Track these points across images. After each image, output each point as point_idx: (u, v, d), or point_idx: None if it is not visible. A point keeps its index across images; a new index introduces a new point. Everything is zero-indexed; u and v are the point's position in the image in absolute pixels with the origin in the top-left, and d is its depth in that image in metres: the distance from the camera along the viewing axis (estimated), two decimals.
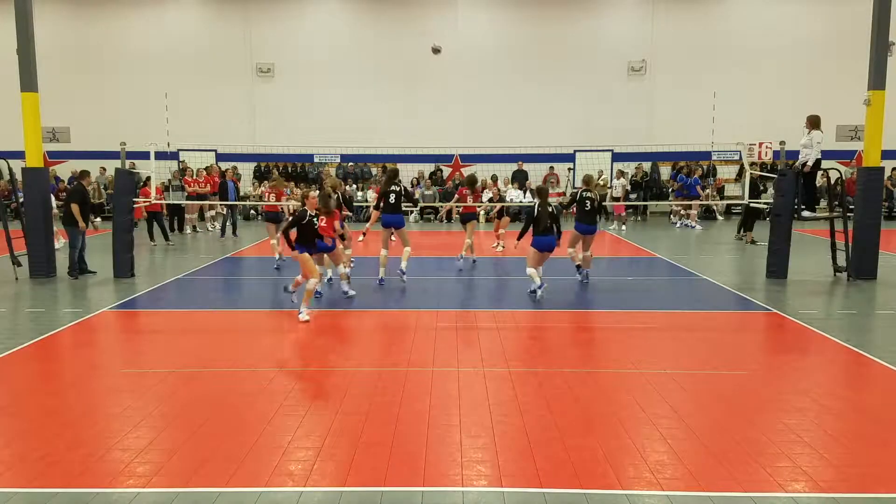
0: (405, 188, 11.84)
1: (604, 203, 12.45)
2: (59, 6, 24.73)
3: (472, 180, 14.19)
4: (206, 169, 20.90)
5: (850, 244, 12.09)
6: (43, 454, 5.06)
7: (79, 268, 12.26)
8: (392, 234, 12.03)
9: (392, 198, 11.50)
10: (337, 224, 10.20)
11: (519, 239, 10.60)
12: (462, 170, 25.32)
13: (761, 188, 20.39)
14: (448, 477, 4.72)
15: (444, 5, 24.96)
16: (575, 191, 12.10)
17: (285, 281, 10.49)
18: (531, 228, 10.37)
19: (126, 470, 4.81)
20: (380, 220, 11.72)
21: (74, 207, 12.09)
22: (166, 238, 17.13)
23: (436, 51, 14.53)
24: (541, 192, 10.64)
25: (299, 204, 10.38)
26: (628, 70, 24.94)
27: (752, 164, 15.21)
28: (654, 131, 24.35)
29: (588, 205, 11.41)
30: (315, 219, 9.46)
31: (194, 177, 20.56)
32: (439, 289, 11.88)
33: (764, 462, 4.92)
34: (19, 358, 7.58)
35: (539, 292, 10.34)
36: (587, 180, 11.89)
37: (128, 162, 14.04)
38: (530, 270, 10.41)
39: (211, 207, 21.02)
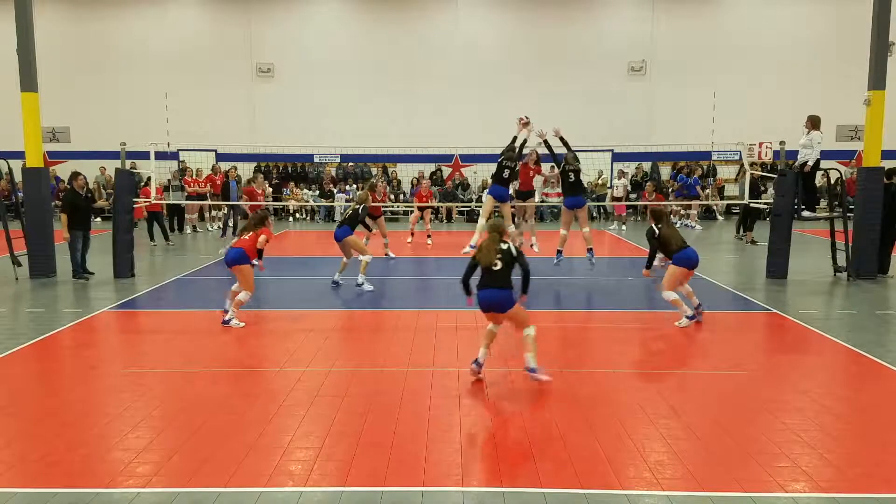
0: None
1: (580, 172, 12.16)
2: (59, 6, 24.72)
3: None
4: (212, 169, 21.00)
5: (850, 244, 12.09)
6: (43, 454, 5.06)
7: (73, 270, 12.18)
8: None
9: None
10: (261, 238, 9.00)
11: (648, 267, 9.18)
12: (462, 170, 25.34)
13: (762, 188, 20.38)
14: (448, 477, 4.72)
15: (444, 6, 24.96)
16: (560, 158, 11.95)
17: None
18: (656, 251, 9.11)
19: (126, 470, 4.81)
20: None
21: (63, 218, 11.97)
22: (166, 238, 17.12)
23: None
24: (657, 215, 9.09)
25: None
26: (628, 70, 24.94)
27: (752, 164, 15.20)
28: (654, 131, 24.35)
29: (572, 176, 11.59)
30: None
31: (194, 177, 20.56)
32: (439, 288, 11.88)
33: (764, 462, 4.92)
34: (19, 358, 7.58)
35: (688, 321, 8.82)
36: (573, 157, 11.92)
37: (128, 162, 14.03)
38: (670, 295, 8.77)
39: (212, 208, 21.04)
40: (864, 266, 12.01)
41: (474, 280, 6.68)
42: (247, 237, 9.02)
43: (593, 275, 12.47)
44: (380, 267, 13.70)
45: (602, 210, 24.35)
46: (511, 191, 12.59)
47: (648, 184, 15.39)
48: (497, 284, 6.46)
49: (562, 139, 11.88)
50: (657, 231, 8.93)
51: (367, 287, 10.85)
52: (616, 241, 18.10)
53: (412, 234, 16.16)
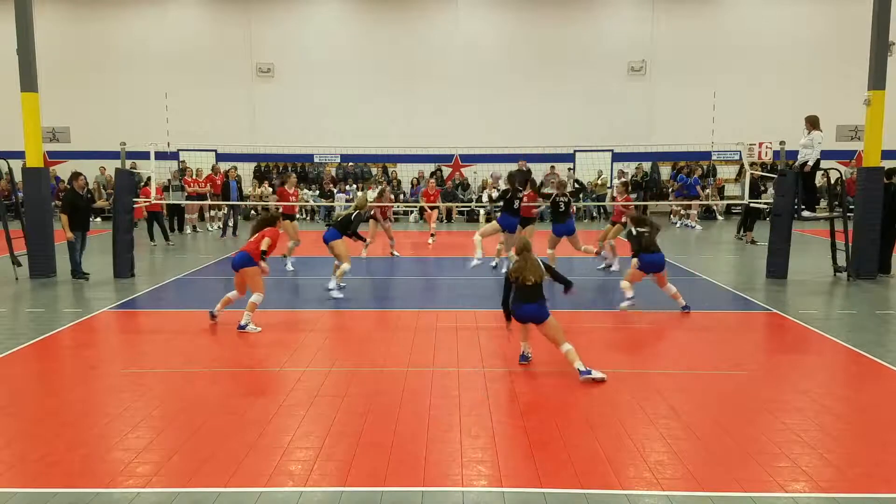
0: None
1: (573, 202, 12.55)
2: (59, 6, 24.73)
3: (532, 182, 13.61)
4: (212, 169, 21.03)
5: (850, 244, 12.09)
6: (43, 454, 5.06)
7: (73, 270, 12.14)
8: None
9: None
10: (265, 240, 8.88)
11: (635, 256, 9.92)
12: (462, 170, 25.34)
13: (762, 188, 20.38)
14: (448, 477, 4.72)
15: (444, 5, 24.96)
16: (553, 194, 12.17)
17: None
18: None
19: (126, 470, 4.81)
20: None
21: (63, 218, 11.95)
22: (166, 238, 17.12)
23: None
24: (637, 222, 9.80)
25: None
26: (628, 70, 24.94)
27: (752, 164, 15.20)
28: (654, 132, 24.35)
29: (562, 206, 11.83)
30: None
31: (194, 176, 20.56)
32: (439, 289, 11.89)
33: (764, 462, 4.92)
34: (19, 358, 7.58)
35: (626, 305, 9.62)
36: (561, 185, 12.36)
37: (128, 162, 14.03)
38: (625, 284, 9.67)
39: (212, 208, 21.03)
40: (864, 266, 12.01)
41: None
42: (252, 239, 8.96)
43: (593, 275, 12.47)
44: (381, 267, 13.73)
45: (602, 210, 24.34)
46: None
47: (618, 184, 14.71)
48: (532, 300, 6.95)
49: (578, 182, 12.36)
50: (634, 231, 9.74)
51: (336, 294, 10.48)
52: (616, 241, 18.06)
53: (432, 234, 16.76)
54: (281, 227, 9.47)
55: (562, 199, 11.86)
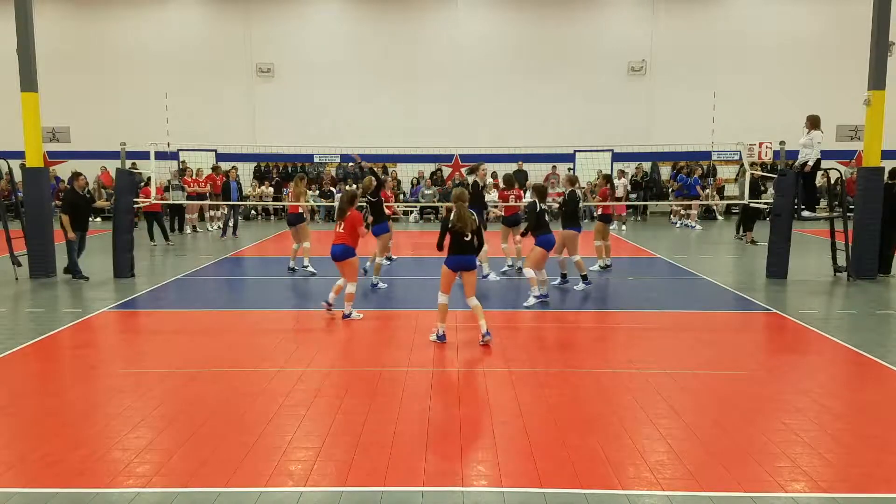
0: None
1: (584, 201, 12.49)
2: (59, 6, 24.73)
3: (509, 180, 13.22)
4: (213, 169, 21.00)
5: (850, 244, 12.09)
6: (43, 454, 5.06)
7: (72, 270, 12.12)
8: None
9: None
10: (362, 228, 9.31)
11: (524, 235, 10.47)
12: (462, 169, 25.35)
13: (762, 188, 20.39)
14: (448, 477, 4.72)
15: (444, 5, 24.97)
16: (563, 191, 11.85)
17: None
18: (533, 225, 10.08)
19: (126, 470, 4.81)
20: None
21: (65, 218, 11.92)
22: (166, 238, 17.13)
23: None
24: (540, 192, 10.12)
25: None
26: (628, 70, 24.94)
27: (752, 164, 15.20)
28: (654, 131, 24.36)
29: (572, 205, 11.47)
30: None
31: (194, 177, 20.57)
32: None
33: (764, 462, 4.92)
34: (19, 358, 7.58)
35: (535, 300, 9.92)
36: (573, 180, 12.13)
37: (128, 162, 14.02)
38: (529, 273, 9.94)
39: (212, 208, 21.03)
40: (863, 266, 12.01)
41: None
42: (342, 229, 9.20)
43: (592, 274, 12.44)
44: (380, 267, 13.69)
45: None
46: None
47: (599, 179, 14.48)
48: (468, 252, 7.88)
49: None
50: (539, 206, 9.88)
51: (382, 285, 11.41)
52: (616, 241, 18.07)
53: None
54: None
55: (574, 195, 11.26)
